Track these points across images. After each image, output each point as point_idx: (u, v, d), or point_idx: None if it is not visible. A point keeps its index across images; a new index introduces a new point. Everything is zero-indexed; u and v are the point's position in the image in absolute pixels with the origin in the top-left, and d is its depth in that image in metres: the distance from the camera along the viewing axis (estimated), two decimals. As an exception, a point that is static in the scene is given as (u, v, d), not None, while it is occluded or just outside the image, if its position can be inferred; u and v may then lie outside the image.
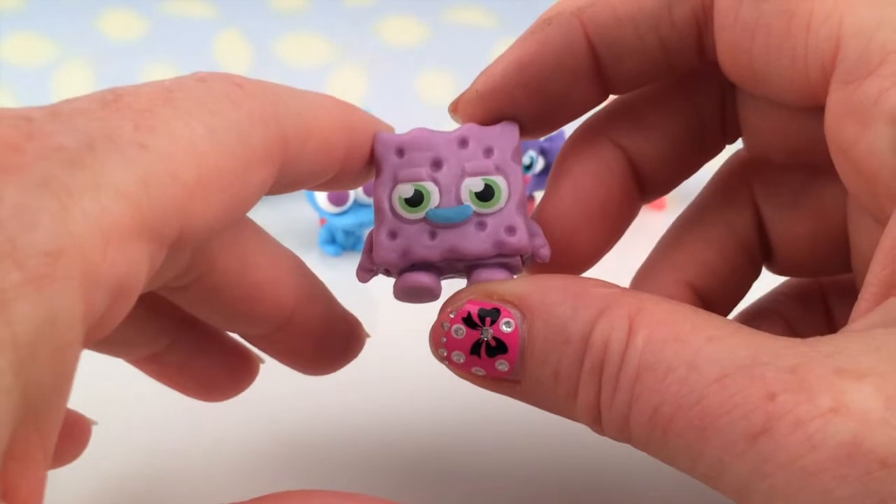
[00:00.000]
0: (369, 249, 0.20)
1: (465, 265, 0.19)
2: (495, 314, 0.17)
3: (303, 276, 0.21)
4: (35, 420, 0.12)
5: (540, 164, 0.45)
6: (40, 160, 0.13)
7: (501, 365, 0.17)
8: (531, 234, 0.19)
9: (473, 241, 0.19)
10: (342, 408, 0.30)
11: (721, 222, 0.22)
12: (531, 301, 0.17)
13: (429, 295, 0.19)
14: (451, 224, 0.19)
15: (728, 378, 0.15)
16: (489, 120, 0.20)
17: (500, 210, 0.19)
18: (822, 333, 0.22)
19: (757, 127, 0.20)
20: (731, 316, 0.23)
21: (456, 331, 0.18)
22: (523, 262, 0.20)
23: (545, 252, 0.20)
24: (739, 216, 0.22)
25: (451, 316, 0.18)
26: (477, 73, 0.20)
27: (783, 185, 0.21)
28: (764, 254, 0.22)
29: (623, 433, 0.16)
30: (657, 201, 0.43)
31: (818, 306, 0.23)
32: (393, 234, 0.19)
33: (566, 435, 0.28)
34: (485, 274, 0.19)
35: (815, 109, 0.17)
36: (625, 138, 0.21)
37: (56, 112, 0.14)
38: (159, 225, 0.14)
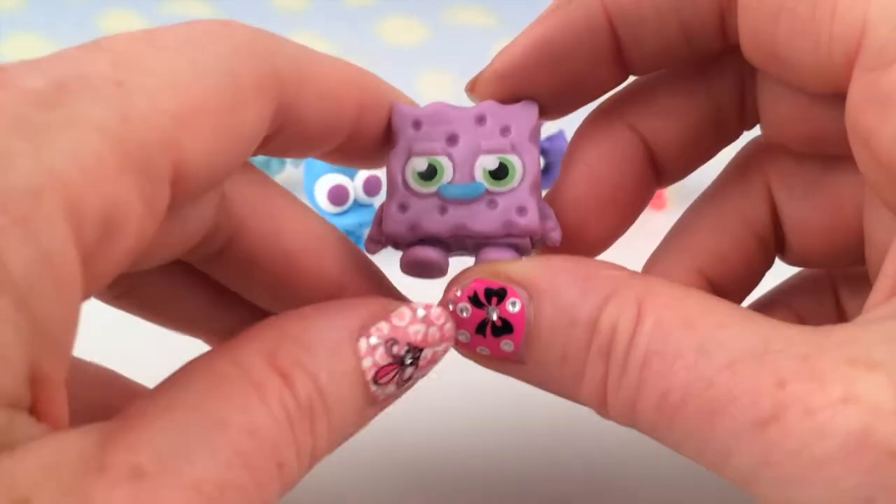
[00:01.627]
0: (379, 221, 0.20)
1: (473, 243, 0.19)
2: (502, 294, 0.17)
3: (347, 250, 0.21)
4: (47, 353, 0.13)
5: (540, 164, 0.45)
6: (11, 105, 0.13)
7: (507, 345, 0.17)
8: (542, 217, 0.19)
9: (483, 220, 0.19)
10: None
11: (735, 211, 0.22)
12: (539, 282, 0.17)
13: (435, 270, 0.19)
14: (463, 200, 0.19)
15: (738, 364, 0.15)
16: (507, 99, 0.19)
17: (513, 190, 0.19)
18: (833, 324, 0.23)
19: (776, 113, 0.20)
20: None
21: (461, 309, 0.18)
22: (533, 245, 0.20)
23: (556, 235, 0.20)
24: (754, 205, 0.21)
25: (457, 294, 0.18)
26: (477, 71, 0.20)
27: (799, 174, 0.21)
28: (777, 244, 0.22)
29: (629, 417, 0.16)
30: (657, 200, 0.43)
31: (829, 298, 0.23)
32: (403, 207, 0.19)
33: (568, 432, 0.28)
34: (492, 253, 0.19)
35: (836, 97, 0.17)
36: (641, 122, 0.21)
37: (31, 62, 0.14)
38: (145, 158, 0.14)
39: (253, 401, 0.14)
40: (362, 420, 0.17)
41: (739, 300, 0.23)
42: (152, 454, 0.13)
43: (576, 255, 0.18)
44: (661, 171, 0.21)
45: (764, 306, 0.23)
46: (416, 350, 0.17)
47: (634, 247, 0.24)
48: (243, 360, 0.15)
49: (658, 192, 0.23)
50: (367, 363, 0.16)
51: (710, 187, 0.23)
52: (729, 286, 0.22)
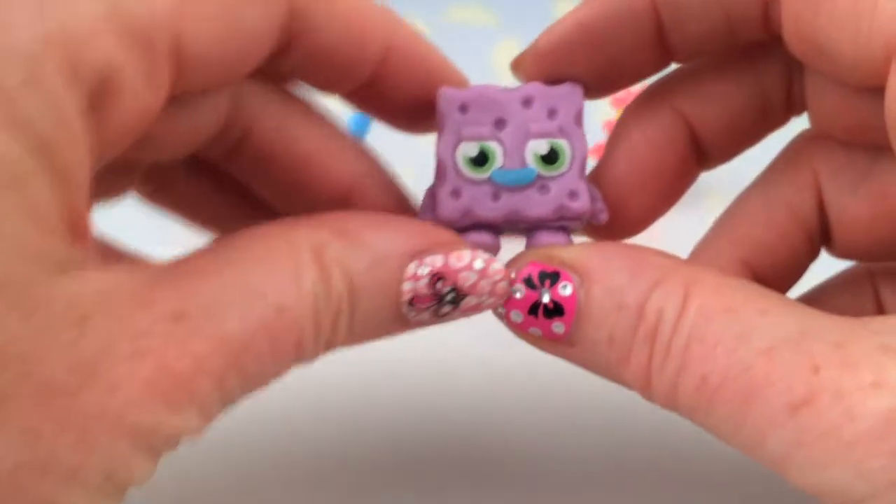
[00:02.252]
0: (430, 207, 0.20)
1: (526, 226, 0.20)
2: (555, 277, 0.18)
3: (360, 157, 0.21)
4: (73, 194, 0.15)
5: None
6: None
7: (557, 327, 0.18)
8: (592, 199, 0.20)
9: (537, 205, 0.19)
10: (356, 385, 0.30)
11: (782, 202, 0.22)
12: (590, 266, 0.18)
13: (489, 253, 0.20)
14: (516, 186, 0.19)
15: (775, 350, 0.15)
16: (549, 79, 0.20)
17: (564, 174, 0.19)
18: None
19: (821, 103, 0.20)
20: None
21: (516, 290, 0.18)
22: (582, 225, 0.20)
23: (604, 217, 0.20)
24: (801, 196, 0.22)
25: (512, 276, 0.18)
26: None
27: (847, 167, 0.21)
28: (823, 236, 0.22)
29: (671, 400, 0.17)
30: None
31: (869, 299, 0.23)
32: (456, 193, 0.19)
33: (575, 431, 0.28)
34: (545, 236, 0.19)
35: (878, 90, 0.17)
36: (686, 105, 0.21)
37: None
38: (141, 30, 0.15)
39: (289, 281, 0.16)
40: (388, 331, 0.18)
41: (783, 292, 0.23)
42: (194, 303, 0.15)
43: (618, 235, 0.19)
44: (704, 154, 0.22)
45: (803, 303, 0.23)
46: (460, 293, 0.18)
47: (645, 238, 0.24)
48: (294, 242, 0.17)
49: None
50: (406, 286, 0.17)
51: (758, 177, 0.23)
52: (773, 277, 0.22)
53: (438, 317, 0.18)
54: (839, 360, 0.15)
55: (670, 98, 0.21)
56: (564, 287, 0.18)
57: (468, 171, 0.19)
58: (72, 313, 0.14)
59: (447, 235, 0.18)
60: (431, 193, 0.20)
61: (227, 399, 0.16)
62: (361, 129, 0.42)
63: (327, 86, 0.20)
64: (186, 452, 0.19)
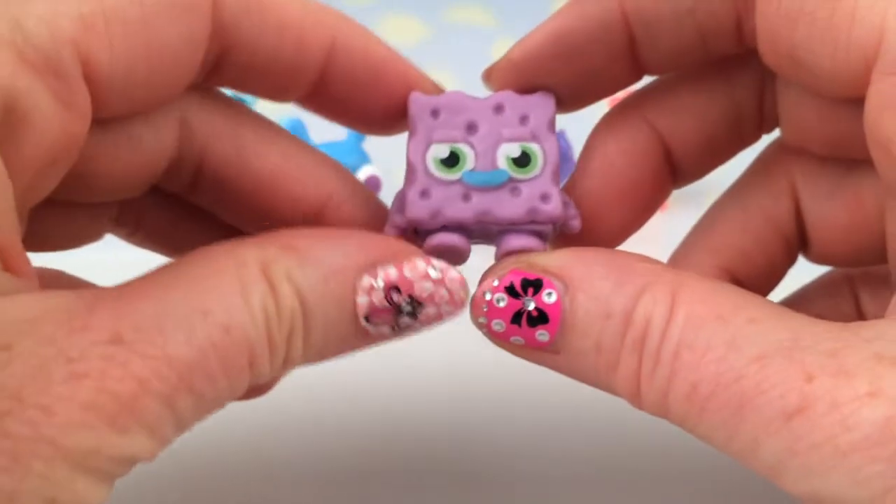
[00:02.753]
0: (399, 208, 0.20)
1: (497, 229, 0.19)
2: (538, 284, 0.17)
3: (327, 173, 0.21)
4: None
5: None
6: None
7: (542, 335, 0.18)
8: (564, 204, 0.19)
9: (508, 207, 0.19)
10: (347, 391, 0.30)
11: (759, 209, 0.22)
12: (574, 273, 0.17)
13: (458, 256, 0.19)
14: (487, 187, 0.19)
15: (767, 359, 0.15)
16: (522, 89, 0.20)
17: (536, 177, 0.19)
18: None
19: (796, 117, 0.20)
20: None
21: (498, 299, 0.18)
22: (554, 231, 0.20)
23: (576, 223, 0.20)
24: (778, 203, 0.22)
25: (494, 284, 0.18)
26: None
27: (822, 174, 0.21)
28: (801, 241, 0.22)
29: (661, 408, 0.17)
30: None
31: (848, 302, 0.23)
32: (425, 194, 0.19)
33: (576, 433, 0.28)
34: (515, 239, 0.19)
35: (855, 101, 0.17)
36: (660, 119, 0.21)
37: None
38: (45, 56, 0.15)
39: (236, 298, 0.15)
40: (348, 347, 0.18)
41: (763, 297, 0.23)
42: (133, 324, 0.14)
43: (608, 248, 0.19)
44: (677, 170, 0.22)
45: None
46: (418, 303, 0.17)
47: (635, 249, 0.24)
48: (240, 259, 0.16)
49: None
50: (361, 300, 0.17)
51: (733, 185, 0.23)
52: (752, 283, 0.22)
53: (400, 329, 0.18)
54: (833, 369, 0.15)
55: (644, 111, 0.21)
56: (549, 294, 0.17)
57: (438, 173, 0.19)
58: None
59: (400, 245, 0.18)
60: (402, 195, 0.20)
61: (184, 420, 0.15)
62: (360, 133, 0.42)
63: (273, 94, 0.20)
64: (178, 457, 0.19)
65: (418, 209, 0.19)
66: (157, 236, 0.23)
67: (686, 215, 0.25)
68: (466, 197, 0.19)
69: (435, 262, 0.18)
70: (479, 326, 0.18)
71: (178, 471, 0.25)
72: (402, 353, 0.26)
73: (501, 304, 0.18)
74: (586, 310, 0.17)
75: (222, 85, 0.19)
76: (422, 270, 0.17)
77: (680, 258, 0.23)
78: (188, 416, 0.15)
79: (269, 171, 0.20)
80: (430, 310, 0.18)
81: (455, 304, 0.18)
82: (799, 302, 0.24)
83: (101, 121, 0.17)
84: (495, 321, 0.18)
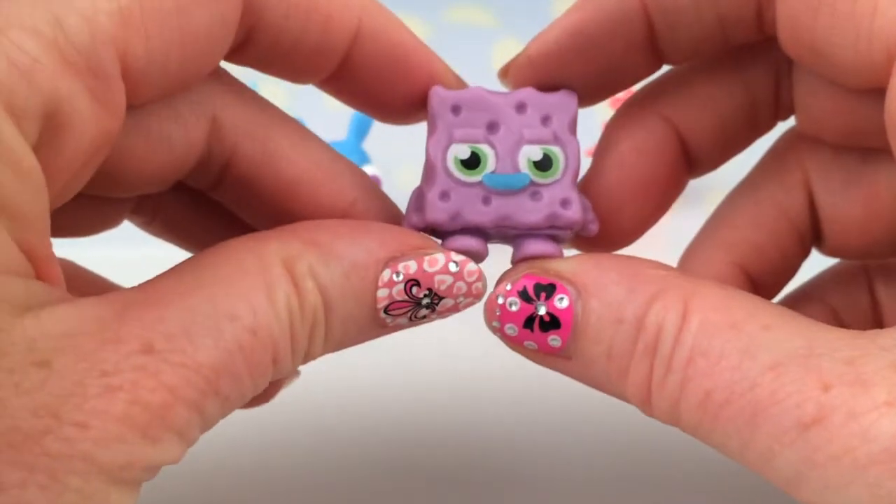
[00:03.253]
0: (417, 207, 0.19)
1: (515, 233, 0.19)
2: (550, 290, 0.18)
3: (351, 180, 0.21)
4: (27, 231, 0.15)
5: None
6: None
7: (554, 340, 0.18)
8: (583, 209, 0.19)
9: (528, 212, 0.19)
10: (350, 393, 0.30)
11: (772, 202, 0.22)
12: (587, 279, 0.17)
13: (475, 259, 0.19)
14: (508, 191, 0.19)
15: (782, 367, 0.15)
16: (541, 86, 0.19)
17: (556, 181, 0.19)
18: (867, 320, 0.22)
19: (812, 106, 0.20)
20: (775, 301, 0.23)
21: (511, 303, 0.18)
22: (571, 235, 0.20)
23: (594, 227, 0.20)
24: (791, 196, 0.21)
25: (507, 289, 0.18)
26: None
27: (836, 166, 0.21)
28: (814, 234, 0.22)
29: (673, 416, 0.16)
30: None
31: (863, 293, 0.23)
32: (445, 195, 0.19)
33: (579, 439, 0.28)
34: (533, 244, 0.19)
35: (875, 92, 0.17)
36: (674, 112, 0.21)
37: None
38: (86, 56, 0.15)
39: (262, 299, 0.16)
40: (365, 337, 0.18)
41: (776, 291, 0.23)
42: (164, 333, 0.15)
43: (609, 246, 0.19)
44: (693, 161, 0.21)
45: (798, 300, 0.23)
46: (436, 296, 0.18)
47: (638, 247, 0.24)
48: (264, 257, 0.16)
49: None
50: (382, 293, 0.17)
51: (745, 178, 0.23)
52: (766, 277, 0.22)
53: (417, 319, 0.18)
54: (851, 378, 0.14)
55: (658, 105, 0.21)
56: (561, 300, 0.17)
57: (459, 174, 0.19)
58: (34, 357, 0.14)
59: (420, 240, 0.18)
60: (419, 194, 0.19)
61: (210, 421, 0.15)
62: (362, 128, 0.42)
63: (296, 76, 0.20)
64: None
65: (438, 212, 0.19)
66: (173, 227, 0.23)
67: (689, 214, 0.25)
68: (486, 200, 0.19)
69: (454, 255, 0.18)
70: (493, 330, 0.18)
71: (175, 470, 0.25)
72: (401, 351, 0.26)
73: (514, 308, 0.18)
74: (598, 315, 0.17)
75: (245, 65, 0.19)
76: (441, 264, 0.18)
77: (692, 255, 0.23)
78: (214, 418, 0.15)
79: (297, 175, 0.20)
80: (448, 301, 0.18)
81: (473, 296, 0.18)
82: (813, 292, 0.23)
83: (132, 117, 0.17)
84: (508, 325, 0.18)
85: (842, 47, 0.17)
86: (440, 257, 0.18)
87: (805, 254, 0.22)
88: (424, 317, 0.18)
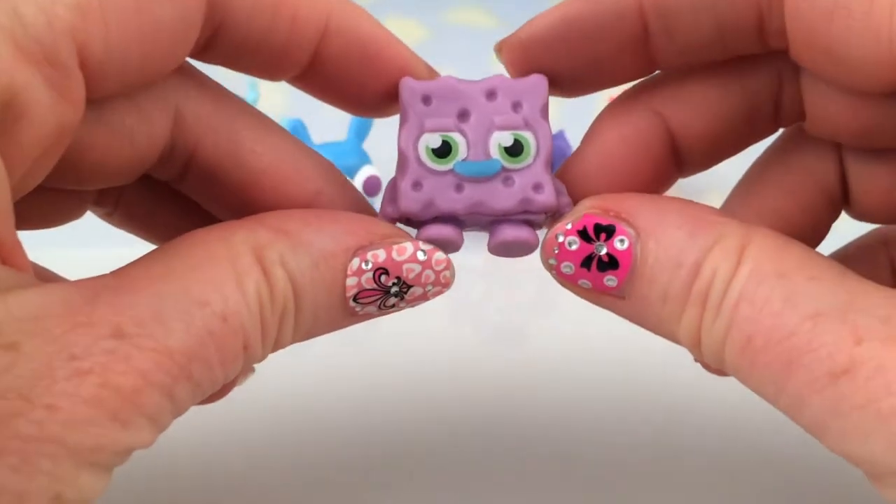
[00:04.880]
0: (391, 198, 0.19)
1: (489, 219, 0.19)
2: (611, 230, 0.18)
3: (316, 170, 0.21)
4: None
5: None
6: None
7: (610, 280, 0.18)
8: (557, 193, 0.19)
9: (501, 198, 0.19)
10: (343, 384, 0.30)
11: (803, 168, 0.22)
12: (647, 221, 0.18)
13: (451, 247, 0.19)
14: (480, 178, 0.19)
15: (820, 317, 0.15)
16: (526, 69, 0.19)
17: (528, 167, 0.19)
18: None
19: (825, 112, 0.20)
20: None
21: (570, 242, 0.18)
22: (546, 219, 0.20)
23: (569, 211, 0.20)
24: (822, 163, 0.22)
25: (567, 227, 0.18)
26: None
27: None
28: (844, 198, 0.22)
29: (718, 359, 0.17)
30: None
31: (884, 267, 0.23)
32: (417, 185, 0.19)
33: (577, 435, 0.28)
34: (508, 229, 0.19)
35: (893, 94, 0.17)
36: (666, 108, 0.21)
37: None
38: (43, 47, 0.15)
39: (232, 287, 0.16)
40: (335, 326, 0.18)
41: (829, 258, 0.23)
42: (134, 318, 0.15)
43: (679, 197, 0.19)
44: (683, 160, 0.21)
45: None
46: (405, 284, 0.18)
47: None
48: (234, 246, 0.17)
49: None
50: (351, 282, 0.17)
51: (774, 143, 0.23)
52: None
53: (386, 308, 0.18)
54: (884, 335, 0.15)
55: (652, 99, 0.21)
56: (621, 241, 0.17)
57: (431, 163, 0.19)
58: (2, 339, 0.14)
59: (388, 228, 0.18)
60: (393, 185, 0.20)
61: (181, 407, 0.16)
62: (363, 129, 0.42)
63: (266, 73, 0.20)
64: (170, 454, 0.19)
65: (411, 201, 0.19)
66: (135, 218, 0.23)
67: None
68: (459, 188, 0.19)
69: (422, 244, 0.18)
70: (549, 268, 0.19)
71: (168, 464, 0.26)
72: (397, 350, 0.26)
73: (573, 248, 0.18)
74: (657, 258, 0.17)
75: (214, 63, 0.19)
76: (410, 253, 0.18)
77: None
78: (185, 403, 0.16)
79: (262, 167, 0.20)
80: (416, 290, 0.18)
81: (441, 285, 0.18)
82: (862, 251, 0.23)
83: (94, 110, 0.17)
84: (565, 263, 0.18)
85: (859, 51, 0.17)
86: (408, 246, 0.18)
87: (835, 216, 0.22)
88: (393, 305, 0.18)
